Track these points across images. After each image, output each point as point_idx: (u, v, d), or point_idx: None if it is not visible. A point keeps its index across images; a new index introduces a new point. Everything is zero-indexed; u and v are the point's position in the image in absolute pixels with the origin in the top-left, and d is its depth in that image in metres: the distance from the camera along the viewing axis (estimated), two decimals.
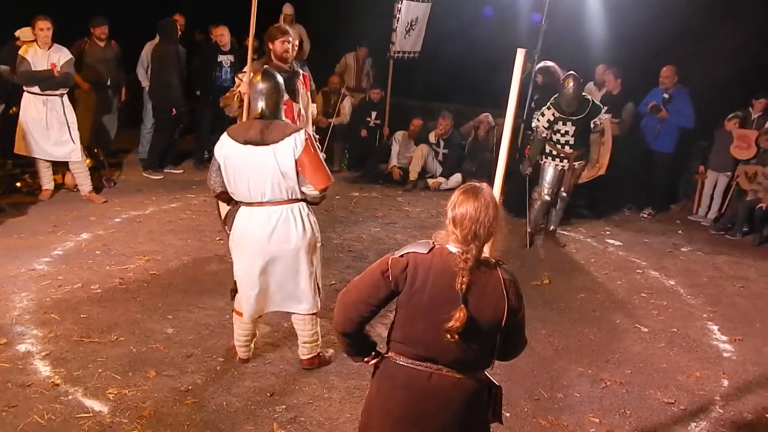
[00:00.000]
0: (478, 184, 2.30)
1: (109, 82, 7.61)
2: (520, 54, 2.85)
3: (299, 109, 4.95)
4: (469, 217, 2.20)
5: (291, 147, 3.56)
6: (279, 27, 5.01)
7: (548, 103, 6.48)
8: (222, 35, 8.02)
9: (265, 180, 3.59)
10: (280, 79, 3.86)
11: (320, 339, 4.06)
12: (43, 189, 6.85)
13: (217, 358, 4.10)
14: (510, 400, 3.84)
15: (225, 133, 3.70)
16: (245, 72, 4.92)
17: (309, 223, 3.77)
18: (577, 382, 4.21)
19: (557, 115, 6.32)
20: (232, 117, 5.10)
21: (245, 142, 3.59)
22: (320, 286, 3.98)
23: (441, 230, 2.30)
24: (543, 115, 6.43)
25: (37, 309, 4.52)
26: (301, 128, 3.68)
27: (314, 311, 3.94)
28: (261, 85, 3.80)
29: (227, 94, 5.05)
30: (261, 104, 3.76)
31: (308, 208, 3.80)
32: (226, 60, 8.05)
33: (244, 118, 4.92)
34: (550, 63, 7.36)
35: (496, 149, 8.12)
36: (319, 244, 3.89)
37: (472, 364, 2.29)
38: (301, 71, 5.04)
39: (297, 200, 3.71)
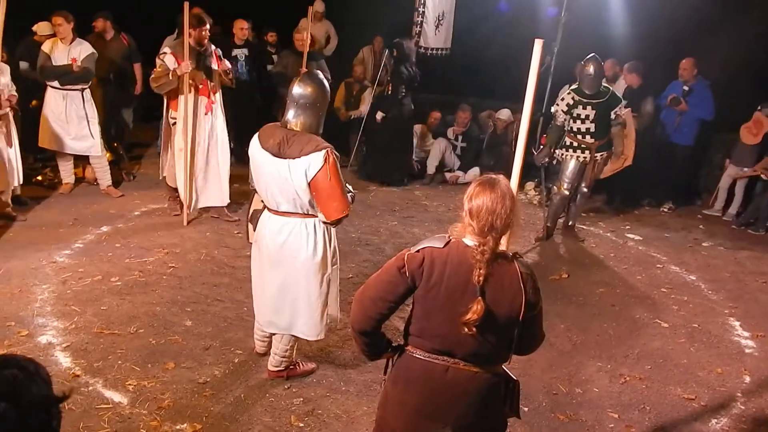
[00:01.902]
0: (494, 175, 2.29)
1: (112, 77, 7.54)
2: (538, 45, 2.82)
3: (213, 86, 6.00)
4: (486, 209, 2.18)
5: (304, 168, 3.24)
6: (200, 17, 5.85)
7: (569, 89, 6.45)
8: (241, 29, 8.01)
9: (280, 192, 3.37)
10: (326, 85, 3.51)
11: (293, 355, 3.85)
12: (63, 183, 6.93)
13: (235, 350, 4.13)
14: (528, 395, 3.83)
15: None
16: (165, 53, 5.82)
17: (324, 241, 3.48)
18: (596, 378, 4.18)
19: (577, 98, 6.23)
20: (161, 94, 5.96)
21: (265, 149, 3.36)
22: (329, 314, 3.69)
23: (457, 223, 2.29)
24: (563, 99, 6.38)
25: (58, 301, 4.58)
26: (324, 148, 3.26)
27: (312, 338, 3.71)
28: (298, 90, 3.41)
29: (158, 69, 5.80)
30: (290, 114, 3.41)
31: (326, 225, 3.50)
32: (240, 54, 8.01)
33: (180, 99, 5.83)
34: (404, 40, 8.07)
35: (514, 143, 8.10)
36: (333, 266, 3.60)
37: (489, 358, 2.28)
38: (212, 49, 5.99)
39: (314, 215, 3.45)
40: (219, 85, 6.09)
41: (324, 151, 3.25)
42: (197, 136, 5.99)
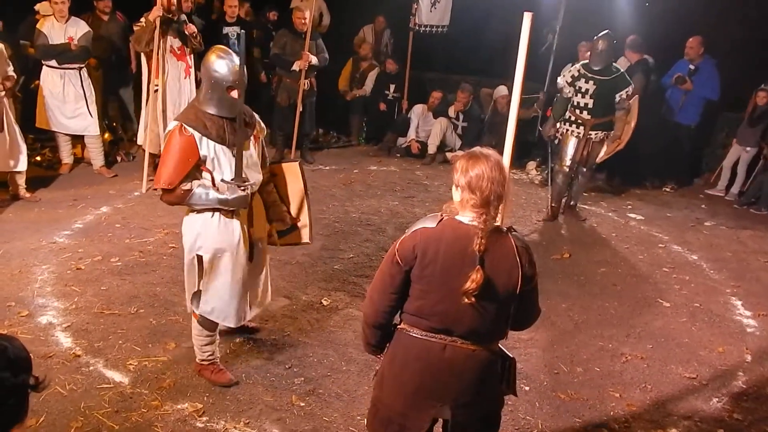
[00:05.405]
0: (478, 148, 2.28)
1: (114, 58, 7.43)
2: (527, 18, 2.75)
3: (189, 50, 6.45)
4: (486, 178, 2.17)
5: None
6: None
7: (577, 65, 6.40)
8: (231, 6, 7.81)
9: None
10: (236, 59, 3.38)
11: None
12: (62, 163, 6.90)
13: (237, 330, 4.11)
14: (529, 374, 3.83)
15: None
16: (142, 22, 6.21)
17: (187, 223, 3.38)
18: (598, 357, 4.17)
19: (582, 71, 6.19)
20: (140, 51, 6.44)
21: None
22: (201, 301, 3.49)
23: (450, 202, 2.28)
24: (569, 72, 6.32)
25: (58, 281, 4.56)
26: (178, 120, 3.24)
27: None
28: (221, 66, 3.30)
29: (137, 29, 6.22)
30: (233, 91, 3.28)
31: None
32: (232, 32, 7.85)
33: (155, 53, 6.23)
34: None
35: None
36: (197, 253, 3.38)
37: (486, 335, 2.28)
38: (184, 17, 6.42)
39: None
40: (191, 48, 6.53)
41: (176, 123, 3.20)
42: (179, 99, 6.39)
